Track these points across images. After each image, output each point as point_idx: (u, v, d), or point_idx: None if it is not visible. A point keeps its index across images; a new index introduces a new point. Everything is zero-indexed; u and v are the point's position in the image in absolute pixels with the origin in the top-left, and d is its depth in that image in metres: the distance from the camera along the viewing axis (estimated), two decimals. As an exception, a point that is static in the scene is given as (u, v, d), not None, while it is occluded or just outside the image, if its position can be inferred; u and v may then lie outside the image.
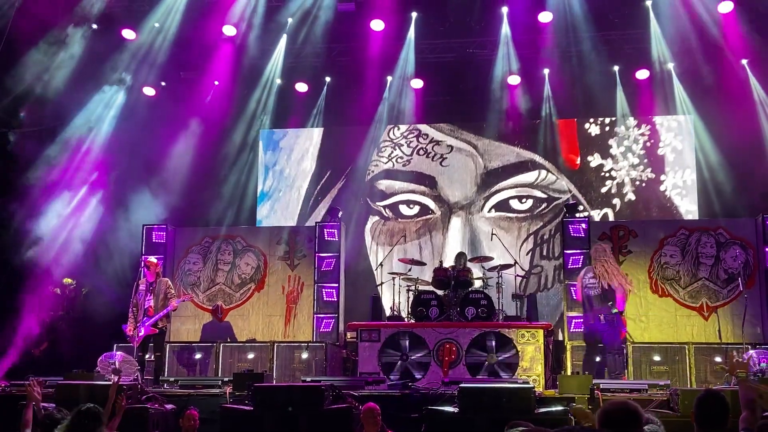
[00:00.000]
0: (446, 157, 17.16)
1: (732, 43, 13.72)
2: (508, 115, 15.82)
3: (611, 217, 16.04)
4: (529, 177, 16.73)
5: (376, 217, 16.91)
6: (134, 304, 11.11)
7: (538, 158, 16.74)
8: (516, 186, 16.70)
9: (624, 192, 16.21)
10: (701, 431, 4.40)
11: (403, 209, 16.94)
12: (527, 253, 16.20)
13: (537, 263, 15.96)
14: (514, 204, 16.61)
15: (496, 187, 16.73)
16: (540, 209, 16.37)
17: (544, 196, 16.52)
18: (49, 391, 9.41)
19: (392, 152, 17.19)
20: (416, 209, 16.89)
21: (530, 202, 16.59)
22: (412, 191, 17.08)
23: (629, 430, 3.75)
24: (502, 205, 16.61)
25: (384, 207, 17.03)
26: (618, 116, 15.77)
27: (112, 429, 5.65)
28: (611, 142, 16.33)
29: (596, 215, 16.16)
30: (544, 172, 16.58)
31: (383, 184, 17.17)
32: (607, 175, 16.27)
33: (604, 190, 16.24)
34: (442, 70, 15.55)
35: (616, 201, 16.20)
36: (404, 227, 16.83)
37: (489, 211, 16.66)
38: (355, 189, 16.97)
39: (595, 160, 16.42)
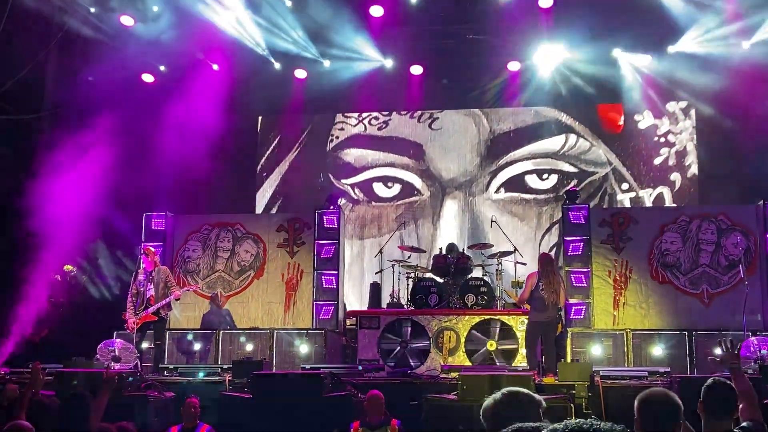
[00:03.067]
0: (438, 117, 14.39)
1: (735, 28, 13.63)
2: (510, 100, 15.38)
3: (668, 199, 13.21)
4: (552, 144, 13.85)
5: (342, 200, 14.72)
6: (134, 293, 11.11)
7: (565, 118, 13.86)
8: (534, 156, 13.88)
9: (686, 163, 13.53)
10: (709, 420, 4.34)
11: (379, 189, 14.46)
12: (550, 249, 13.61)
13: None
14: (532, 181, 14.02)
15: (507, 159, 14.05)
16: (568, 188, 13.55)
17: (573, 169, 13.83)
18: (49, 379, 9.44)
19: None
20: (396, 189, 14.44)
21: (554, 178, 13.85)
22: (391, 164, 14.31)
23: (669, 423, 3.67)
24: (516, 183, 14.04)
25: (352, 186, 14.66)
26: (624, 102, 14.86)
27: (99, 409, 5.63)
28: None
29: (646, 197, 13.51)
30: (573, 138, 13.79)
31: (351, 155, 14.61)
32: (663, 140, 13.74)
33: (658, 161, 13.68)
34: (442, 56, 15.42)
35: (675, 176, 13.58)
36: (380, 213, 14.35)
37: (497, 191, 14.05)
38: (312, 162, 14.67)
39: (645, 119, 13.67)
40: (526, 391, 3.33)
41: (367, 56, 15.21)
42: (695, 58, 14.23)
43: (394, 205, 14.70)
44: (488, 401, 3.31)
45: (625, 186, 13.36)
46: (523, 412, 3.17)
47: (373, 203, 14.74)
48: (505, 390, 3.32)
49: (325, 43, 15.32)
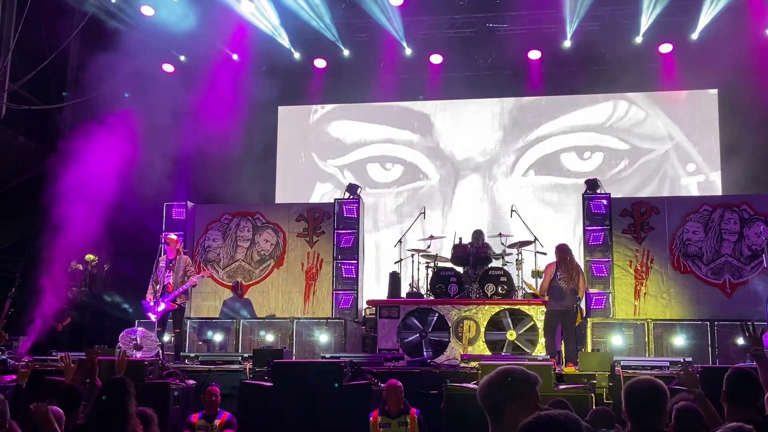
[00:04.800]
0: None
1: (756, 14, 13.44)
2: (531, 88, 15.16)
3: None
4: (597, 114, 11.96)
5: (328, 185, 13.20)
6: (154, 280, 11.21)
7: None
8: (573, 130, 12.13)
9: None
10: (732, 410, 4.30)
11: (375, 171, 13.02)
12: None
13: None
14: (570, 161, 12.40)
15: (538, 133, 12.39)
16: (617, 170, 11.98)
17: (623, 146, 12.10)
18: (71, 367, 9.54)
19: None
20: (397, 171, 13.04)
21: (599, 157, 12.17)
22: (390, 140, 12.66)
23: (655, 408, 3.70)
24: (549, 164, 12.48)
25: (341, 168, 13.34)
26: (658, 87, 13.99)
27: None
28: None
29: (719, 181, 11.90)
30: (624, 105, 12.03)
31: (340, 129, 13.11)
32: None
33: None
34: (462, 45, 15.32)
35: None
36: (376, 202, 12.90)
37: (525, 173, 12.45)
38: (292, 137, 13.24)
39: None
40: (519, 368, 3.22)
41: (386, 45, 15.16)
42: (717, 42, 14.04)
43: (394, 191, 13.38)
44: (482, 382, 3.22)
45: (690, 167, 11.32)
46: (517, 390, 3.10)
47: (368, 189, 13.26)
48: (498, 369, 3.23)
49: (345, 32, 15.30)
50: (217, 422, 8.57)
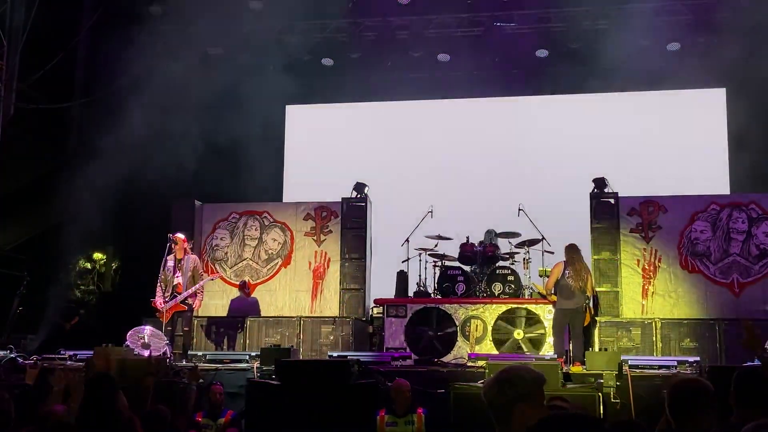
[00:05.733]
0: None
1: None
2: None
3: None
4: (604, 112, 12.67)
5: (335, 184, 13.25)
6: (162, 280, 11.19)
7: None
8: (580, 129, 12.46)
9: None
10: (741, 411, 4.24)
11: (382, 170, 13.42)
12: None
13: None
14: (577, 160, 12.73)
15: (545, 132, 12.85)
16: (624, 169, 12.41)
17: (632, 145, 12.49)
18: (79, 365, 9.60)
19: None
20: (405, 170, 13.27)
21: (607, 155, 12.77)
22: (398, 139, 12.85)
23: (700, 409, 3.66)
24: (556, 162, 13.17)
25: (349, 166, 13.64)
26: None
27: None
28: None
29: (725, 179, 12.95)
30: (631, 104, 12.71)
31: (347, 128, 13.58)
32: None
33: None
34: (469, 43, 15.32)
35: None
36: (383, 200, 13.47)
37: (532, 171, 12.87)
38: (300, 136, 14.09)
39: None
40: (525, 367, 3.19)
41: (394, 44, 15.16)
42: (725, 41, 13.97)
43: (401, 189, 14.08)
44: (487, 381, 3.16)
45: (698, 166, 11.76)
46: (525, 390, 3.06)
47: (375, 188, 13.59)
48: (504, 368, 3.18)
49: (353, 31, 15.31)
50: (221, 420, 8.60)
